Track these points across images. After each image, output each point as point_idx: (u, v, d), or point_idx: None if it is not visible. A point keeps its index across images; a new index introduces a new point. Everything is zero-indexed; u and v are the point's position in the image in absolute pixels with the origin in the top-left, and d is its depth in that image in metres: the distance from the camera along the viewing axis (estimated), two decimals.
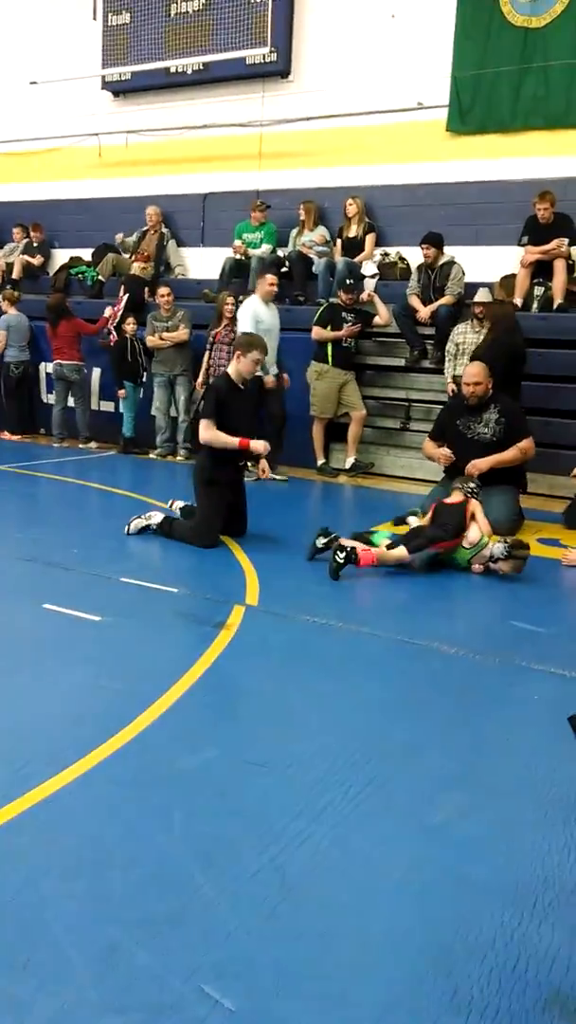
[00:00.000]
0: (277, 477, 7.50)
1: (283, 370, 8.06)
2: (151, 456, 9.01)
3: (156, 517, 5.52)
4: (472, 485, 5.39)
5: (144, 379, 9.16)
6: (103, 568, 4.73)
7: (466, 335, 7.69)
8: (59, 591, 4.36)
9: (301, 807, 2.41)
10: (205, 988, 1.74)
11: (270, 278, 7.98)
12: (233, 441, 5.33)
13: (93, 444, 9.43)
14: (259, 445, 5.42)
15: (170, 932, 1.89)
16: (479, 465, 5.83)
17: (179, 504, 5.92)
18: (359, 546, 4.92)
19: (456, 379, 7.75)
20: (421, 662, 3.67)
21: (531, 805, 2.51)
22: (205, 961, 1.81)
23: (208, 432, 5.35)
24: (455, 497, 5.27)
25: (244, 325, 7.59)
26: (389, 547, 4.96)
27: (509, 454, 5.94)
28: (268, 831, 2.28)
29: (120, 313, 9.16)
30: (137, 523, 5.49)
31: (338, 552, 4.74)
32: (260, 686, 3.34)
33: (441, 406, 8.01)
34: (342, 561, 4.71)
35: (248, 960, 1.82)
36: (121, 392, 9.10)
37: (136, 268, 9.94)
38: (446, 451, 6.13)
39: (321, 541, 5.03)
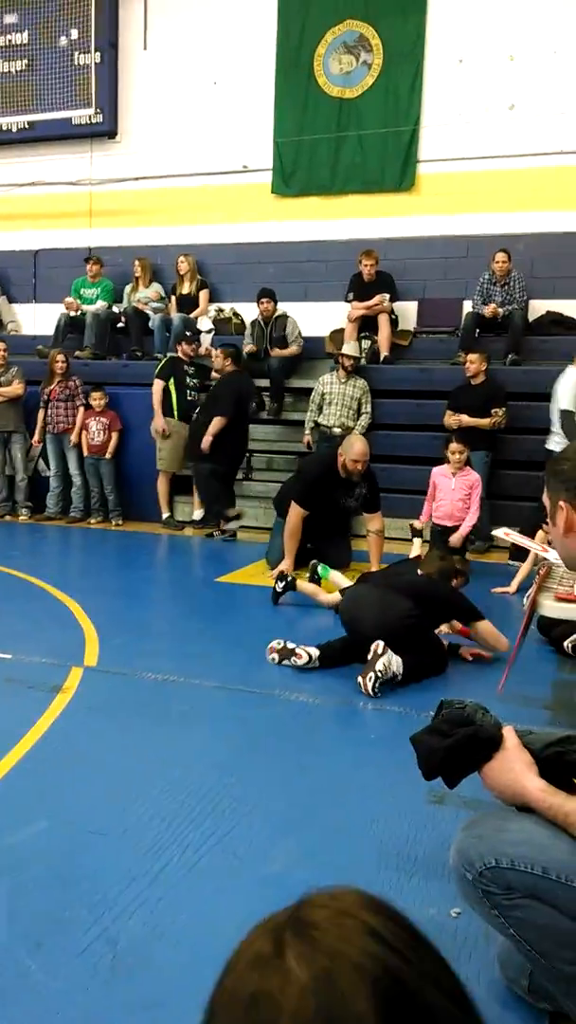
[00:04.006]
0: None
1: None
2: None
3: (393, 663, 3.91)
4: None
5: None
6: None
7: (332, 385, 7.89)
8: None
9: (136, 872, 2.34)
10: None
11: None
12: None
13: None
14: None
15: None
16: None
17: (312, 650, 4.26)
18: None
19: (323, 429, 7.90)
20: (262, 710, 3.68)
21: (368, 846, 2.55)
22: None
23: None
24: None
25: (564, 400, 6.36)
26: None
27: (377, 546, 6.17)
28: (101, 901, 2.20)
29: None
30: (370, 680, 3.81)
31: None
32: (97, 750, 3.24)
33: (281, 455, 8.24)
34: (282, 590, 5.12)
35: None
36: None
37: None
38: None
39: (280, 586, 5.23)
